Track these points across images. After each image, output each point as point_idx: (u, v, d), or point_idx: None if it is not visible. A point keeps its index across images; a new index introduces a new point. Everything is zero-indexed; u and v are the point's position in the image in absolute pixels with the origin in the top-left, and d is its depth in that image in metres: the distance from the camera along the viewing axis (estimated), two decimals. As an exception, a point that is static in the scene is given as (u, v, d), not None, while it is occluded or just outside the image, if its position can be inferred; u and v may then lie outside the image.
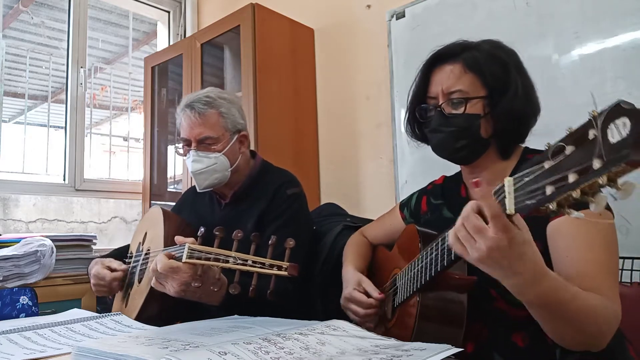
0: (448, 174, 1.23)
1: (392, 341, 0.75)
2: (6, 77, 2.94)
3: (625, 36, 1.54)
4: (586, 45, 1.63)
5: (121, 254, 1.55)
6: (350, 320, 1.16)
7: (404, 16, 2.14)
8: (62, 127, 2.82)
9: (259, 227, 1.38)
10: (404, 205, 1.28)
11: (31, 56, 3.01)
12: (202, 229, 1.06)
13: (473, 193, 1.09)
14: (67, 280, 1.91)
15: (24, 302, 1.50)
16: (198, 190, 1.44)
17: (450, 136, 1.00)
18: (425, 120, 1.07)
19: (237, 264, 0.95)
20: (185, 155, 1.42)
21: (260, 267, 0.94)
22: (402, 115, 2.13)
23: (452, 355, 0.64)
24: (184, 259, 0.99)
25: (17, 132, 3.02)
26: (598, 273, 0.83)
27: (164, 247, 1.25)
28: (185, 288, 1.04)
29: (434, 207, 1.18)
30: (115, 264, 1.40)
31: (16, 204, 2.77)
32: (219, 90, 1.47)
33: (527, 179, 0.61)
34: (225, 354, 0.61)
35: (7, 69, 2.89)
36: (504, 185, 0.66)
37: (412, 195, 1.28)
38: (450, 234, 0.75)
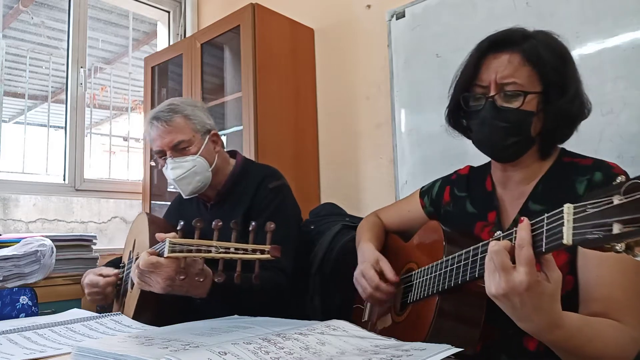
0: (446, 171, 1.22)
1: (392, 341, 0.75)
2: (6, 77, 2.94)
3: (625, 36, 1.54)
4: (586, 45, 1.62)
5: (114, 265, 1.56)
6: (353, 318, 1.16)
7: (404, 16, 2.14)
8: (62, 127, 2.82)
9: (246, 224, 1.38)
10: (424, 192, 1.23)
11: (31, 56, 3.01)
12: (182, 223, 1.06)
13: (503, 193, 1.05)
14: (67, 280, 1.91)
15: (24, 302, 1.50)
16: (184, 196, 1.45)
17: (501, 131, 0.93)
18: (469, 108, 0.99)
19: (220, 253, 0.95)
20: (163, 168, 1.43)
21: (243, 253, 0.95)
22: (402, 115, 2.13)
23: (452, 355, 0.64)
24: (165, 254, 0.99)
25: (17, 132, 3.02)
26: (626, 298, 0.81)
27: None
28: (171, 283, 1.05)
29: (457, 198, 1.14)
30: (107, 270, 1.42)
31: (16, 204, 2.76)
32: (180, 98, 1.51)
33: (591, 210, 0.56)
34: (225, 354, 0.61)
35: (7, 69, 2.89)
36: (562, 211, 0.61)
37: (434, 182, 1.23)
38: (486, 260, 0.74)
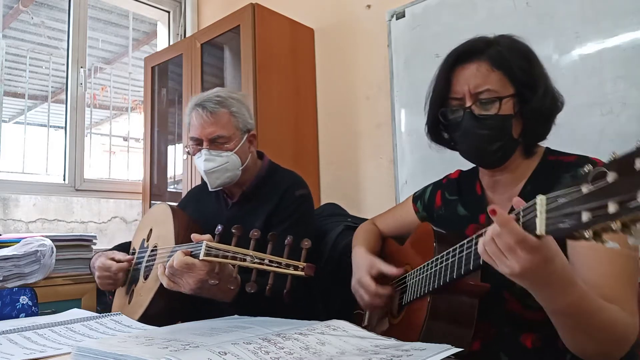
0: (449, 171, 1.22)
1: (392, 341, 0.75)
2: (6, 77, 2.94)
3: (625, 36, 1.54)
4: (586, 45, 1.62)
5: (123, 249, 1.53)
6: (356, 317, 1.16)
7: (404, 16, 2.14)
8: (62, 127, 2.82)
9: (266, 227, 1.38)
10: (417, 197, 1.25)
11: (31, 56, 3.01)
12: (220, 227, 1.06)
13: (492, 197, 1.06)
14: (67, 280, 1.91)
15: (24, 302, 1.50)
16: (210, 189, 1.44)
17: (485, 139, 0.95)
18: (448, 122, 1.01)
19: (254, 263, 0.95)
20: (195, 155, 1.42)
21: (277, 267, 0.95)
22: (402, 115, 2.13)
23: (452, 355, 0.64)
24: (201, 256, 0.99)
25: (17, 132, 3.02)
26: (618, 285, 0.82)
27: (175, 244, 1.24)
28: (201, 285, 1.04)
29: (448, 202, 1.15)
30: (120, 255, 1.40)
31: (16, 204, 2.76)
32: (229, 90, 1.48)
33: (561, 200, 0.57)
34: (225, 354, 0.61)
35: (7, 69, 2.89)
36: (535, 203, 0.62)
37: (426, 188, 1.25)
38: (480, 245, 0.74)
